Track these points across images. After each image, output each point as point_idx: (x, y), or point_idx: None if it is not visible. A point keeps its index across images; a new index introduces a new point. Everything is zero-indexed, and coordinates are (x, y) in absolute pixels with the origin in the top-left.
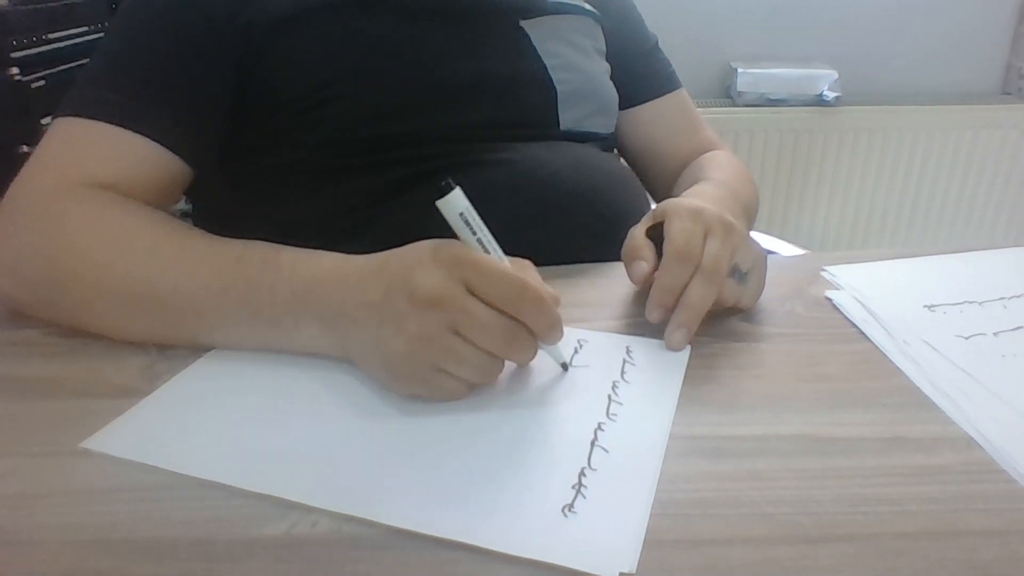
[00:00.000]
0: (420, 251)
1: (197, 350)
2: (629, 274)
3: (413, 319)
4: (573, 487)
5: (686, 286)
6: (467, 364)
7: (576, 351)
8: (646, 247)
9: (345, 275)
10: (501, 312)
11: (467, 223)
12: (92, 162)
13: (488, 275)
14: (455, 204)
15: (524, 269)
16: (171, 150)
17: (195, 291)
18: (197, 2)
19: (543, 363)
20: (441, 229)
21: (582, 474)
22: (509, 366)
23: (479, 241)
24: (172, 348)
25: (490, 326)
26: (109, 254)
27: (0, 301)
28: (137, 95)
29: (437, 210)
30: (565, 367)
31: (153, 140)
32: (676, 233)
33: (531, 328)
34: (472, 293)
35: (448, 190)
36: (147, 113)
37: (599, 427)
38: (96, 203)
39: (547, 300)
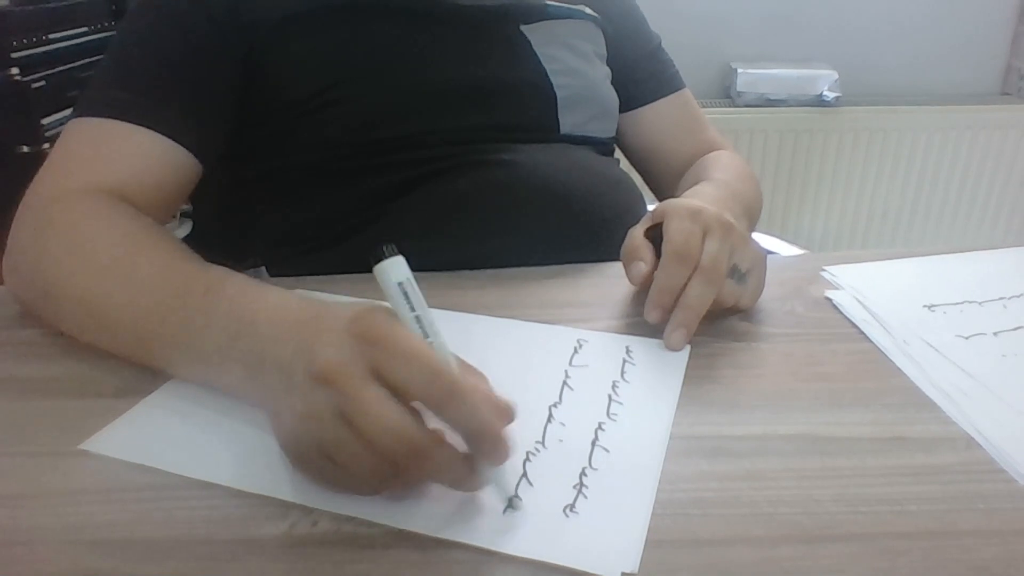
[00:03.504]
0: (342, 314)
1: None
2: (628, 275)
3: (302, 394)
4: (574, 487)
5: (685, 286)
6: (351, 460)
7: (576, 351)
8: (645, 247)
9: (277, 321)
10: (415, 407)
11: (405, 296)
12: (99, 164)
13: (399, 355)
14: (394, 272)
15: (471, 375)
16: (182, 145)
17: (137, 318)
18: (200, 1)
19: (545, 366)
20: (441, 227)
21: (583, 474)
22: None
23: (417, 319)
24: None
25: (381, 418)
26: (74, 266)
27: (14, 299)
28: (146, 92)
29: (437, 210)
30: (511, 503)
31: (164, 135)
32: (675, 233)
33: (457, 431)
34: (379, 375)
35: (388, 255)
36: (156, 109)
37: (600, 427)
38: (78, 212)
39: (475, 399)
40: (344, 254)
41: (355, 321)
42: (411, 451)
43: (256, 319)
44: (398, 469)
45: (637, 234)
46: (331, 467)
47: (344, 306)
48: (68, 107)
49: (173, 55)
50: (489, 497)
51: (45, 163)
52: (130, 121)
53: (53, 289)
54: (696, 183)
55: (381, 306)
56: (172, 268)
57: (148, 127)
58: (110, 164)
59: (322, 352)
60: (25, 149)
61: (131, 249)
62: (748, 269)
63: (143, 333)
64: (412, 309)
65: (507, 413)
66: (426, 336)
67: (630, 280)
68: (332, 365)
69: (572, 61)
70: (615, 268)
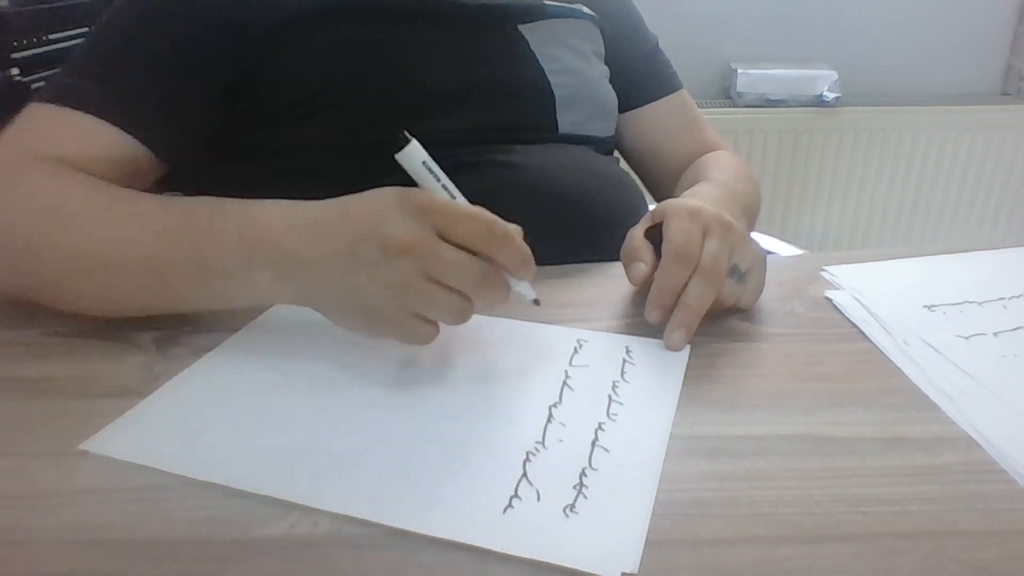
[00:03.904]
0: (385, 200)
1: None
2: (628, 275)
3: (386, 268)
4: (574, 487)
5: (685, 286)
6: (442, 308)
7: (576, 351)
8: (645, 248)
9: (294, 224)
10: (472, 254)
11: (430, 171)
12: (49, 141)
13: (458, 218)
14: (416, 155)
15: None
16: (135, 137)
17: (147, 249)
18: (193, 4)
19: (545, 366)
20: None
21: (583, 474)
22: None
23: (444, 187)
24: (172, 348)
25: (462, 267)
26: (63, 219)
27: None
28: (109, 83)
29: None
30: (537, 303)
31: (113, 124)
32: (674, 233)
33: (504, 265)
34: (443, 237)
35: (405, 143)
36: (108, 98)
37: (600, 427)
38: (44, 172)
39: (516, 236)
40: None
41: (404, 200)
42: (486, 281)
43: (271, 226)
44: (471, 303)
45: (637, 234)
46: (413, 321)
47: (368, 197)
48: None
49: (162, 52)
50: (489, 497)
51: None
52: (82, 110)
53: (38, 247)
54: (695, 183)
55: (409, 187)
56: (169, 200)
57: (97, 116)
58: (54, 140)
59: (394, 231)
60: None
61: (122, 195)
62: (748, 269)
63: (156, 264)
64: (438, 179)
65: (521, 233)
66: (454, 198)
67: (630, 280)
68: (407, 237)
69: (570, 60)
70: (615, 268)
